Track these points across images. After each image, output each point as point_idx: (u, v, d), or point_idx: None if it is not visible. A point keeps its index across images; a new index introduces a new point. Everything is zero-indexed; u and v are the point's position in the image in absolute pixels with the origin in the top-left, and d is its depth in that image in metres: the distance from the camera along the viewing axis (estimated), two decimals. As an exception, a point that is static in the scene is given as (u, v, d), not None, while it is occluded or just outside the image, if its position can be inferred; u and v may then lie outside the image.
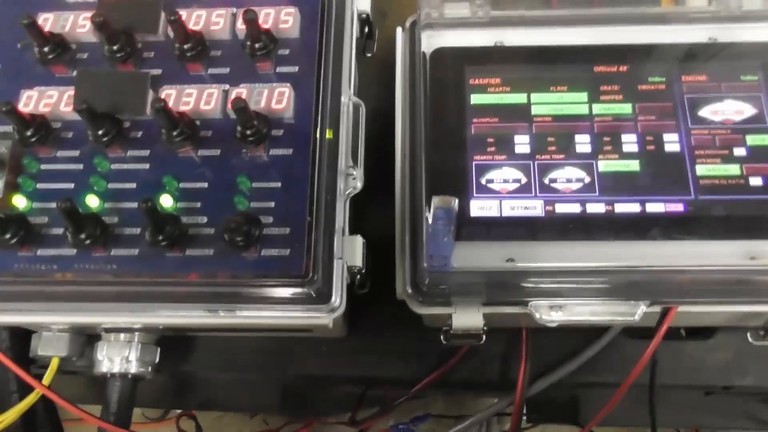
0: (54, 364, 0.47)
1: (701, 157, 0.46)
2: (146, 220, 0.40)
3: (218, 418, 0.99)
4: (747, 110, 0.47)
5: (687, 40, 0.50)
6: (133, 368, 0.46)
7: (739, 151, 0.46)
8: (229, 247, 0.40)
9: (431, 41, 0.51)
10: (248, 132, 0.42)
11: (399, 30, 0.52)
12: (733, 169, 0.46)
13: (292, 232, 0.41)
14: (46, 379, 0.46)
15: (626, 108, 0.48)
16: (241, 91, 0.45)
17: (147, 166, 0.44)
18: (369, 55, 0.55)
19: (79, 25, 0.48)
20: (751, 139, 0.46)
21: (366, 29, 0.54)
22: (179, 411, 0.73)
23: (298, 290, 0.40)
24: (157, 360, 0.49)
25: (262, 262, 0.40)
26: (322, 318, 0.41)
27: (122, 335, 0.47)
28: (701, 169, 0.46)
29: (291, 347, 0.53)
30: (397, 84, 0.50)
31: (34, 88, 0.46)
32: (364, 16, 0.52)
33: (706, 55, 0.50)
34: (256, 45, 0.46)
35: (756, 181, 0.45)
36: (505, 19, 0.51)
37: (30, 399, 0.46)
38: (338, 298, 0.41)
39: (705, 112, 0.48)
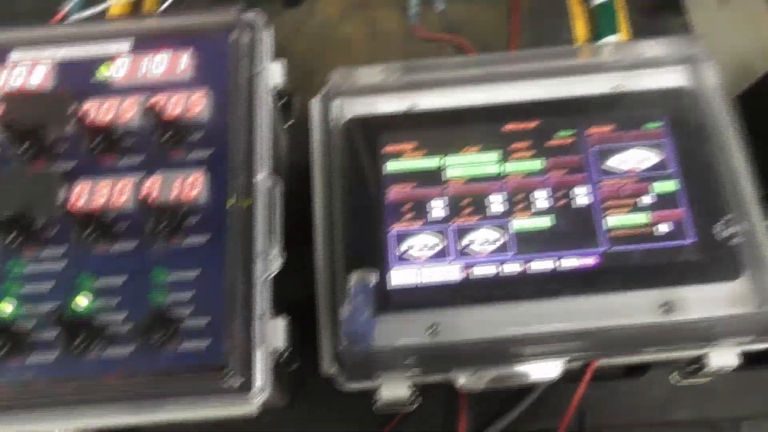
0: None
1: (610, 208, 0.47)
2: (58, 328, 0.39)
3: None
4: (652, 158, 0.49)
5: (592, 92, 0.51)
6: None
7: (646, 200, 0.47)
8: (145, 347, 0.40)
9: (344, 110, 0.52)
10: (159, 227, 0.43)
11: (313, 101, 0.53)
12: (641, 218, 0.47)
13: (211, 323, 0.41)
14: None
15: (537, 164, 0.49)
16: (156, 179, 0.45)
17: (63, 264, 0.44)
18: (286, 126, 0.56)
19: (-15, 123, 0.48)
20: (657, 186, 0.48)
21: (284, 100, 0.55)
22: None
23: (218, 383, 0.40)
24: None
25: (180, 357, 0.40)
26: (245, 407, 0.41)
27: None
28: (611, 221, 0.47)
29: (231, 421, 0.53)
30: (314, 155, 0.51)
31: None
32: (276, 90, 0.52)
33: (611, 104, 0.51)
34: (166, 135, 0.46)
35: (663, 228, 0.46)
36: (416, 82, 0.52)
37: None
38: (260, 385, 0.41)
39: (612, 162, 0.49)
